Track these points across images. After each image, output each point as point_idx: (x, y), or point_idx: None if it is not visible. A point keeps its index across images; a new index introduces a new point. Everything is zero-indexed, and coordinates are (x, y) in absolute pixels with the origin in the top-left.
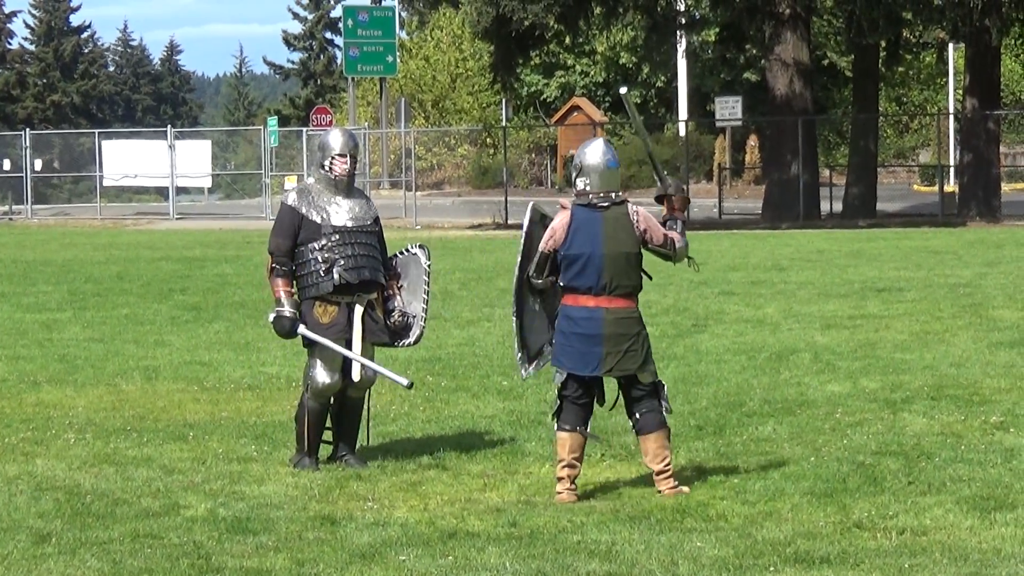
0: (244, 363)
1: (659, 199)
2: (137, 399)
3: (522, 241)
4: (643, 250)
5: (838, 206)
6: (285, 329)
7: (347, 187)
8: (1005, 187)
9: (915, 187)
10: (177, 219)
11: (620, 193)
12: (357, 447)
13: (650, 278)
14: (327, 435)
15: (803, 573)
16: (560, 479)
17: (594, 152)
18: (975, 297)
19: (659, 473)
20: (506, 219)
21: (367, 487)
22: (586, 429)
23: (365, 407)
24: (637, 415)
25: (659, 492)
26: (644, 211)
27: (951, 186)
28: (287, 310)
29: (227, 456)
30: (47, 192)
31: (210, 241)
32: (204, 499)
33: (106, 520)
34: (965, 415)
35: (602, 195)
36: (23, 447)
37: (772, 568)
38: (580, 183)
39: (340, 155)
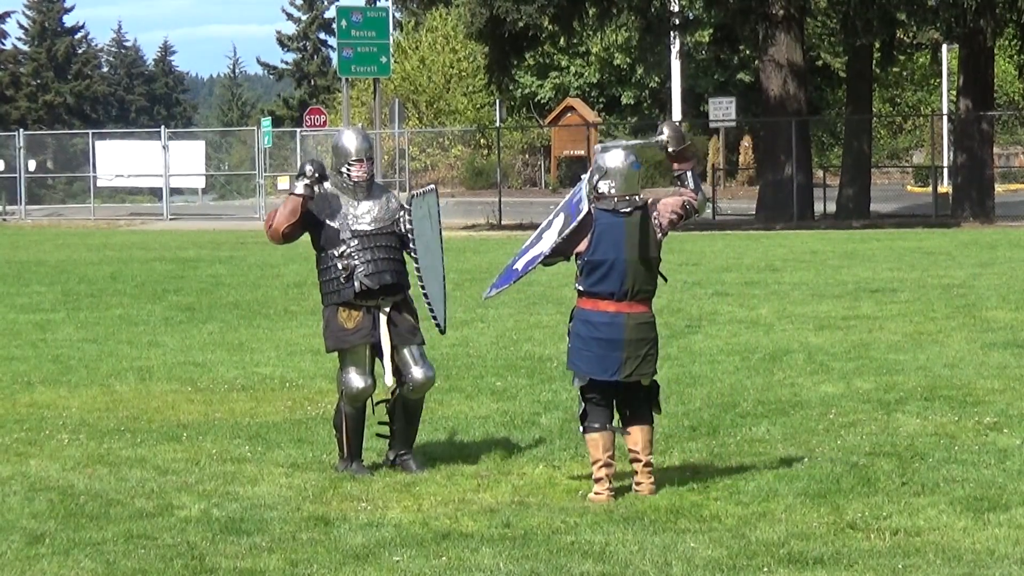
0: (238, 364)
1: (670, 158)
2: (131, 400)
3: (568, 233)
4: (672, 230)
5: (832, 207)
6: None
7: (366, 189)
8: (999, 188)
9: (909, 188)
10: (171, 220)
11: (641, 196)
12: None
13: (665, 280)
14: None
15: (797, 574)
16: (599, 479)
17: (616, 154)
18: (969, 298)
19: (646, 465)
20: (500, 220)
21: (361, 488)
22: (612, 424)
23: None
24: (629, 410)
25: (636, 484)
26: (660, 204)
27: (945, 187)
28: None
29: (221, 457)
30: (41, 193)
31: (204, 242)
32: (198, 500)
33: (100, 521)
34: (959, 416)
35: (627, 198)
36: (17, 448)
37: (766, 569)
38: (604, 186)
39: (356, 160)
